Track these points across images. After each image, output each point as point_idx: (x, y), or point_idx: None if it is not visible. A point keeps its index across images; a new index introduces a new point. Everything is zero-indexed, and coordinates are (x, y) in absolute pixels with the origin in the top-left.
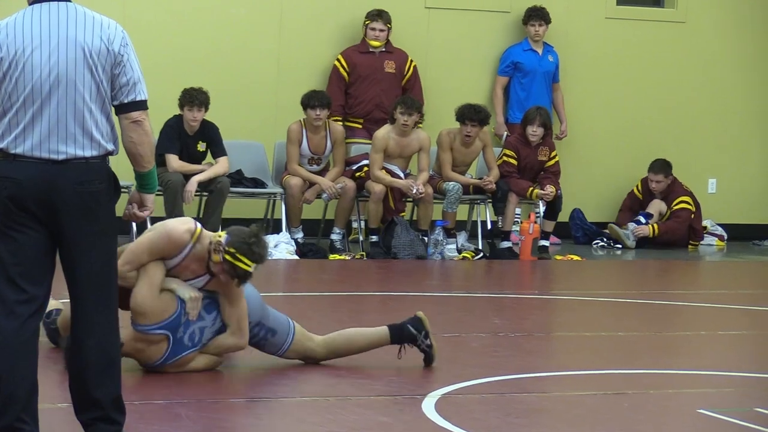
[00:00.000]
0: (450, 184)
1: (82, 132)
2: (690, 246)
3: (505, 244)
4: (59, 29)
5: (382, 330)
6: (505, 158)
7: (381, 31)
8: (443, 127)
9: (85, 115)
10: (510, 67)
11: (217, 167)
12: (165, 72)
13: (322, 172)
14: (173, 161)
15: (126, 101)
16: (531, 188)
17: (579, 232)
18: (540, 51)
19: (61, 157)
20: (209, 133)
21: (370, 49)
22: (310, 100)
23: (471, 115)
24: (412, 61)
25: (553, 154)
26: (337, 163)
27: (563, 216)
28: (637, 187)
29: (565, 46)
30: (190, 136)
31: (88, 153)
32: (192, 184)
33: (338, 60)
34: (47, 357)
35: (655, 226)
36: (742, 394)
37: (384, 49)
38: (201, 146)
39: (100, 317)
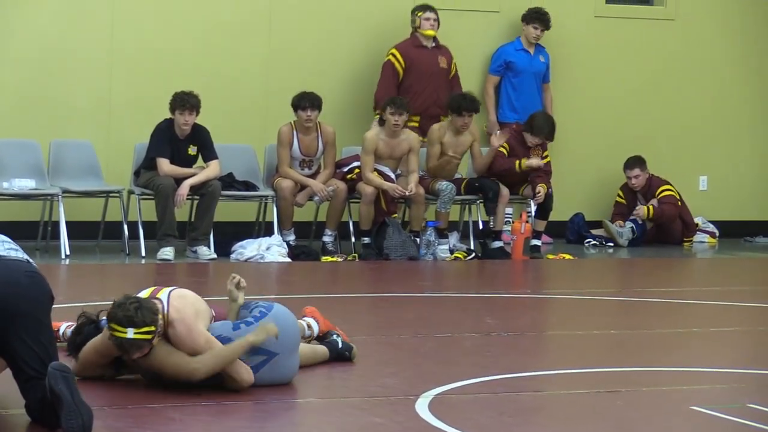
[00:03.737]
0: (443, 183)
1: None
2: (685, 243)
3: (497, 244)
4: None
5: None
6: (500, 149)
7: (435, 20)
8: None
9: None
10: (502, 66)
11: (208, 171)
12: (155, 75)
13: (313, 176)
14: (164, 165)
15: None
16: (518, 161)
17: (574, 235)
18: (532, 51)
19: None
20: (200, 137)
21: (424, 43)
22: (300, 101)
23: (467, 105)
24: (453, 58)
25: (545, 153)
26: (327, 165)
27: (561, 216)
28: (618, 194)
29: (555, 45)
30: (181, 139)
31: None
32: (184, 188)
33: (393, 55)
34: None
35: (650, 207)
36: (735, 390)
37: (434, 44)
38: (192, 150)
39: None
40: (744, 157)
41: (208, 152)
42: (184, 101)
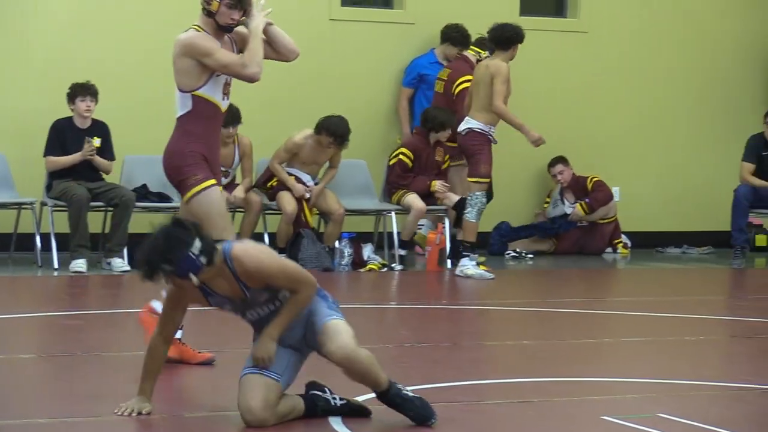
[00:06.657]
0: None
1: None
2: (617, 243)
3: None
4: None
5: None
6: (401, 157)
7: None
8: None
9: None
10: (416, 79)
11: (105, 164)
12: (67, 87)
13: (230, 186)
14: (51, 162)
15: None
16: (431, 182)
17: (497, 245)
18: (445, 64)
19: None
20: (102, 130)
21: None
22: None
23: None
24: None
25: (446, 157)
26: (246, 174)
27: (484, 227)
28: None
29: None
30: (83, 129)
31: None
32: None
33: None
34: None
35: (583, 204)
36: (645, 400)
37: None
38: (97, 141)
39: None
40: (654, 168)
41: (107, 149)
42: (85, 88)
